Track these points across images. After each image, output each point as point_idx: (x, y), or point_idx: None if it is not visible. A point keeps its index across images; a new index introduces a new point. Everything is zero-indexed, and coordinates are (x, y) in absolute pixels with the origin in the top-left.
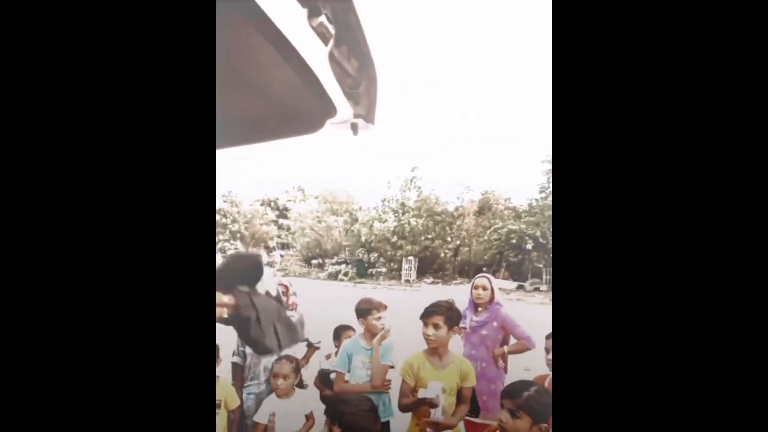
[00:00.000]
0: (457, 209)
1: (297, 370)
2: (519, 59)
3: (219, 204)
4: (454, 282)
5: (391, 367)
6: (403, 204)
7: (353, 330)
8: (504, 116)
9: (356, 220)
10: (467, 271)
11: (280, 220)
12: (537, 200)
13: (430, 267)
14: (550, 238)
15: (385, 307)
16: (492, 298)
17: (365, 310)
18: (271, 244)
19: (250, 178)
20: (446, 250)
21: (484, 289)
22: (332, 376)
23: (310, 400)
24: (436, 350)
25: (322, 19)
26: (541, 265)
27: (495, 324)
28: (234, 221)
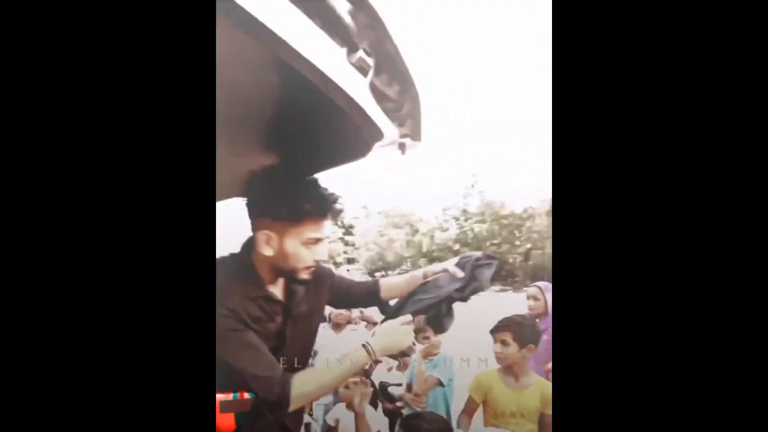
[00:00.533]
0: (525, 210)
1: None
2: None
3: None
4: (525, 288)
5: (442, 385)
6: (464, 210)
7: (413, 343)
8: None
9: (417, 231)
10: (542, 275)
11: (346, 237)
12: None
13: (498, 273)
14: None
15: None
16: (546, 309)
17: (415, 329)
18: (339, 260)
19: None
20: (515, 255)
21: (536, 299)
22: (390, 389)
23: (375, 416)
24: (510, 368)
25: (360, 54)
26: None
27: (545, 337)
28: None
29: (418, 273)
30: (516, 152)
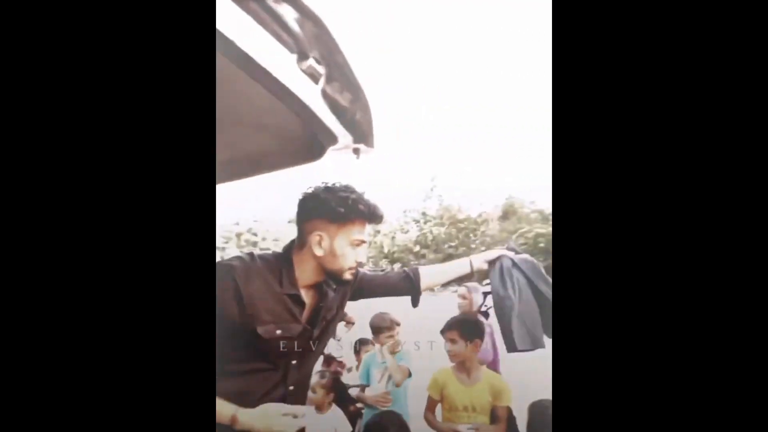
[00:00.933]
0: (480, 215)
1: (329, 386)
2: (526, 53)
3: (250, 224)
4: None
5: (409, 375)
6: (424, 213)
7: (373, 344)
8: (520, 115)
9: (378, 232)
10: None
11: None
12: None
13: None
14: None
15: (398, 324)
16: (471, 308)
17: (377, 328)
18: None
19: (280, 201)
20: None
21: (464, 298)
22: (350, 390)
23: (340, 419)
24: (463, 365)
25: (311, 62)
26: None
27: (488, 329)
28: (264, 239)
29: (462, 261)
30: (472, 158)
